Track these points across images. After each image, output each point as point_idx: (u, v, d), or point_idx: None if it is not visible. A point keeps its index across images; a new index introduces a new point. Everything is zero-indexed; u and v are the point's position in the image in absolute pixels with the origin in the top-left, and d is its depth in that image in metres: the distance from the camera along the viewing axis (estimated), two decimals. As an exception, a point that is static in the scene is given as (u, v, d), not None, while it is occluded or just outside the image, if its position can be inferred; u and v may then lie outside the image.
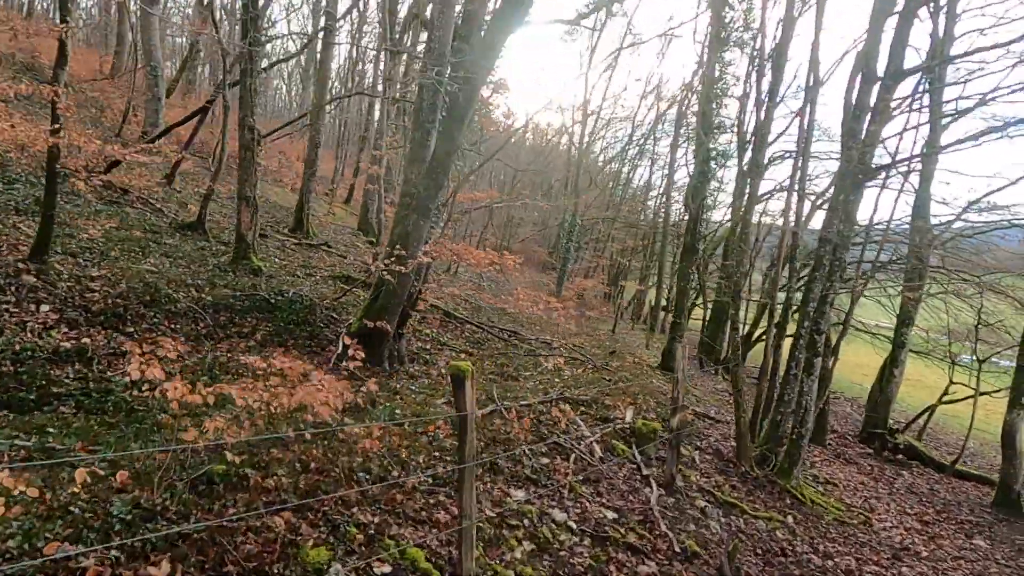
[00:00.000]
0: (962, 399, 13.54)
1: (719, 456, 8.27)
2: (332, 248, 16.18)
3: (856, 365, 23.44)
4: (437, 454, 5.13)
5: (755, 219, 22.88)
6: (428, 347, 10.62)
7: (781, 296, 11.46)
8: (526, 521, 4.67)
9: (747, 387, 12.77)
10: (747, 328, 24.66)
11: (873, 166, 7.68)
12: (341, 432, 4.57)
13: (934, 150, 12.76)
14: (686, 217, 15.95)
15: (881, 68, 7.96)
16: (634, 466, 6.62)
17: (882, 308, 17.85)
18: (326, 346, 8.76)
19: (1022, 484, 10.27)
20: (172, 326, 7.47)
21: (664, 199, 25.00)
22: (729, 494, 6.98)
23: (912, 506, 9.63)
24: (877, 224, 17.85)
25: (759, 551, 6.00)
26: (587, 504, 5.34)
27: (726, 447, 8.80)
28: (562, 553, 4.50)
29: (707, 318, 25.20)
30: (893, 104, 8.49)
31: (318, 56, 19.66)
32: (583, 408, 7.82)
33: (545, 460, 5.84)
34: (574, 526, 4.89)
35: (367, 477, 4.27)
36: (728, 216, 24.11)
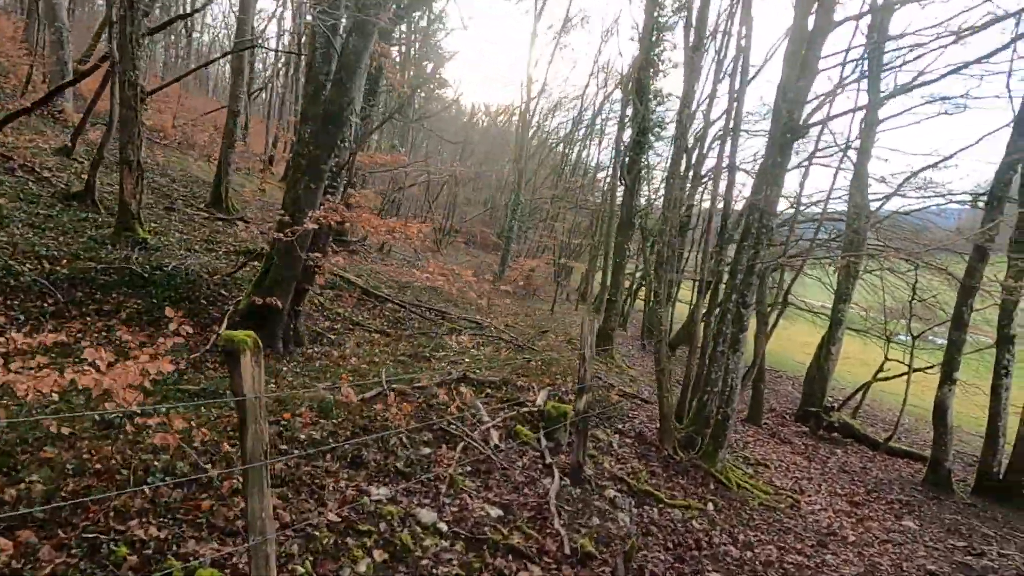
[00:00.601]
0: (896, 376, 13.41)
1: (641, 440, 7.68)
2: (249, 223, 15.00)
3: (802, 344, 23.46)
4: (285, 447, 4.31)
5: (703, 199, 22.63)
6: (339, 327, 9.73)
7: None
8: (383, 525, 3.90)
9: (677, 366, 12.29)
10: (691, 307, 24.58)
11: (801, 123, 7.10)
12: (131, 423, 3.70)
13: (873, 108, 12.44)
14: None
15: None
16: (538, 454, 5.94)
17: (825, 289, 17.76)
18: (209, 325, 7.79)
19: (952, 461, 10.07)
20: (6, 302, 6.40)
21: (610, 178, 24.42)
22: (646, 481, 6.37)
23: (843, 486, 9.29)
24: (817, 200, 17.66)
25: (671, 545, 5.40)
26: (469, 500, 4.61)
27: (651, 429, 8.22)
28: (424, 562, 3.76)
29: (652, 297, 24.94)
30: (827, 64, 7.96)
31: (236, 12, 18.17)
32: (490, 390, 7.09)
33: (427, 450, 5.07)
34: (445, 528, 4.15)
35: (165, 480, 3.43)
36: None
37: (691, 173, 15.47)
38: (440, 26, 23.19)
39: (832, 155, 18.45)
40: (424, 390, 6.31)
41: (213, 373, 6.23)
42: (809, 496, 8.38)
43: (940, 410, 9.71)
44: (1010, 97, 10.78)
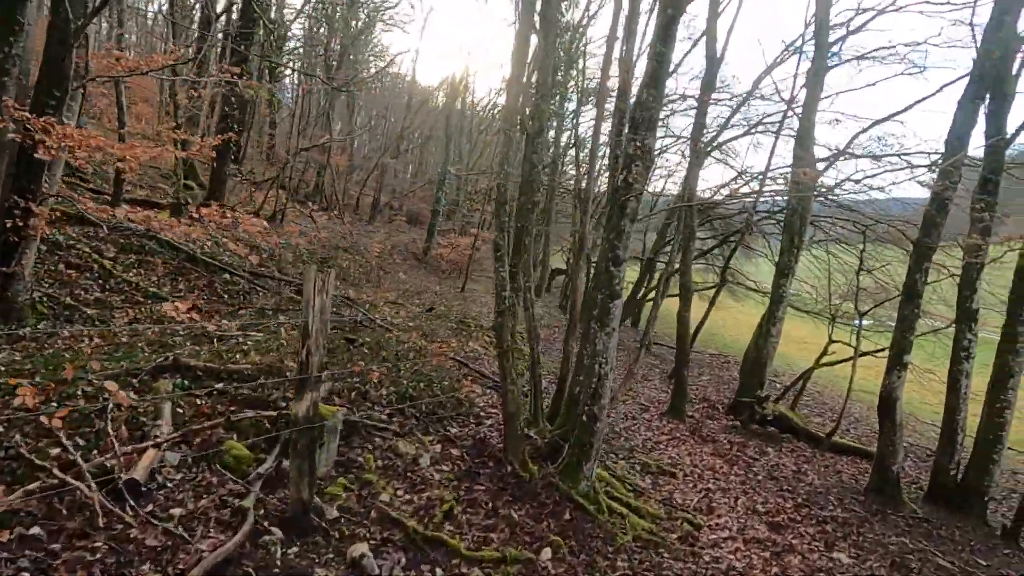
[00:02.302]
0: (843, 360, 11.60)
1: (480, 450, 5.55)
2: None
3: (752, 327, 21.70)
4: None
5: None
6: (117, 299, 7.38)
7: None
8: None
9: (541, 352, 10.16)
10: (632, 287, 22.64)
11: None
12: None
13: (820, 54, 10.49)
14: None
15: None
16: (239, 488, 3.73)
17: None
18: None
19: (902, 463, 8.22)
20: None
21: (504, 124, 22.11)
22: (443, 521, 4.23)
23: (767, 499, 7.34)
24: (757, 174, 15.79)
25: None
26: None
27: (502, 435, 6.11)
28: None
29: (590, 278, 22.94)
30: None
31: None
32: (225, 384, 4.86)
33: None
34: None
35: None
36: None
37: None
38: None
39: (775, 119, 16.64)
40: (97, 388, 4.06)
41: None
42: (718, 517, 6.38)
43: (887, 402, 7.83)
44: (972, 29, 8.96)
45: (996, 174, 7.02)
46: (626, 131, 4.99)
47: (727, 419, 11.34)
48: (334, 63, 25.98)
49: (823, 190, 13.82)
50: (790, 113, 14.63)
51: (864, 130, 12.75)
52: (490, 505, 4.65)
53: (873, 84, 13.39)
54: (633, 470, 7.12)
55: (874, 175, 11.33)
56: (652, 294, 21.95)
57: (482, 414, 6.32)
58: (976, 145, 8.14)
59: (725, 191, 19.56)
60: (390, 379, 5.82)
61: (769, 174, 17.22)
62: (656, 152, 22.57)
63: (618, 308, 5.14)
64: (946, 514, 7.94)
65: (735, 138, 19.56)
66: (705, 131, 19.52)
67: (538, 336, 6.29)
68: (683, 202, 11.10)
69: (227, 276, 9.53)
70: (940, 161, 7.45)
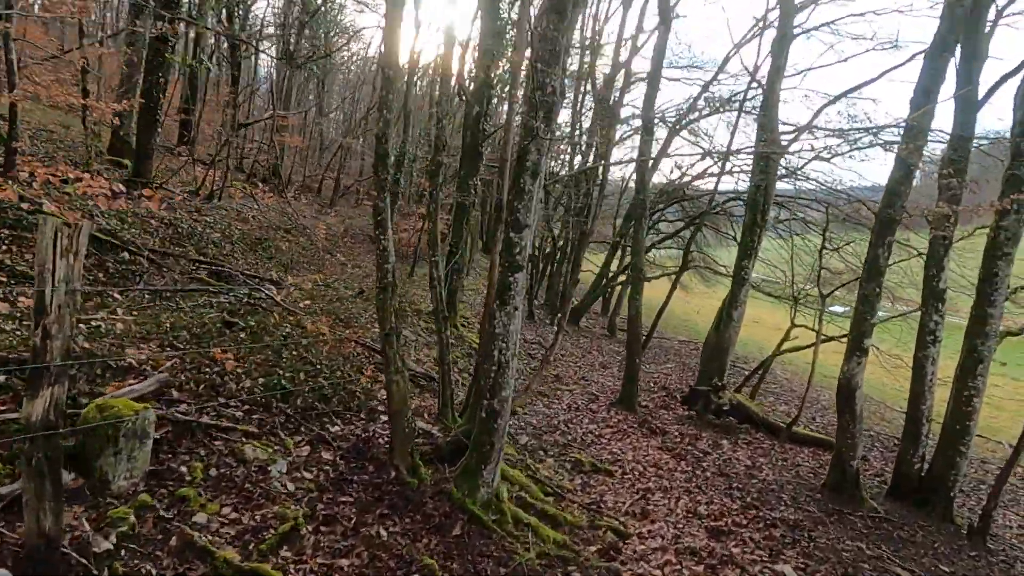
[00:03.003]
0: (806, 347, 10.93)
1: (362, 451, 4.69)
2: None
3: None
4: None
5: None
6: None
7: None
8: None
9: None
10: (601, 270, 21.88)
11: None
12: None
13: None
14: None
15: None
16: None
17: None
18: None
19: (861, 459, 7.54)
20: None
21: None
22: (275, 549, 3.36)
23: (713, 499, 6.59)
24: (724, 153, 15.14)
25: None
26: None
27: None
28: None
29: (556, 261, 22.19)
30: None
31: None
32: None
33: None
34: None
35: None
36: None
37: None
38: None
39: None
40: None
41: None
42: (651, 523, 5.61)
43: (846, 391, 7.11)
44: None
45: (967, 131, 6.27)
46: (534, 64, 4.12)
47: (683, 409, 10.62)
48: (292, 39, 24.74)
49: (788, 169, 13.12)
50: (757, 88, 13.90)
51: (831, 101, 12.02)
52: (353, 522, 3.79)
53: (845, 60, 12.55)
54: (562, 469, 6.32)
55: (842, 153, 10.51)
56: (624, 280, 21.28)
57: (380, 408, 5.45)
58: (946, 120, 7.42)
59: (692, 172, 18.88)
60: (263, 369, 4.93)
61: (737, 155, 16.52)
62: (623, 133, 21.81)
63: (520, 282, 4.29)
64: (909, 511, 7.29)
65: (702, 117, 18.77)
66: (673, 110, 18.76)
67: (445, 319, 5.43)
68: (637, 182, 10.30)
69: (125, 255, 8.53)
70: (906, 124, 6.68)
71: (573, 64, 19.02)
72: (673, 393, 12.03)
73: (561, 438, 7.30)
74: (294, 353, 5.43)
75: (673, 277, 21.53)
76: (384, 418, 5.26)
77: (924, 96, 6.08)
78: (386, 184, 4.32)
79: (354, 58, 35.52)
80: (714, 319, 12.65)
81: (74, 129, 15.25)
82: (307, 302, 7.90)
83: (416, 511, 4.18)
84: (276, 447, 4.17)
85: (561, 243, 19.88)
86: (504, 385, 4.39)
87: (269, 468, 3.87)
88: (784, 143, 12.01)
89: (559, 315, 17.15)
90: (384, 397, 5.71)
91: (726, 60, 16.28)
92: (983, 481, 10.34)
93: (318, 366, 5.41)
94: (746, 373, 15.92)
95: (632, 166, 19.64)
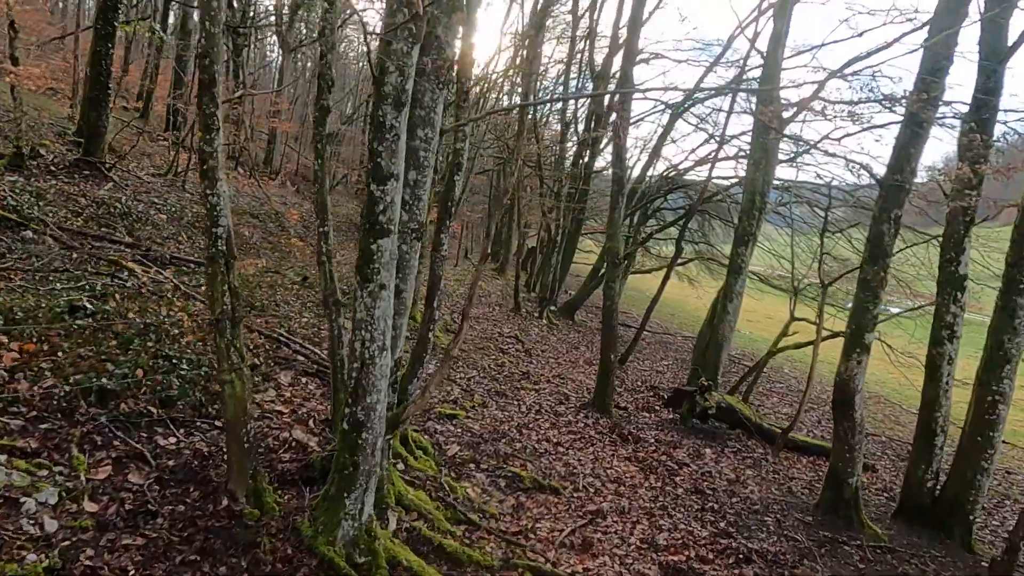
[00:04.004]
0: (806, 343, 9.71)
1: (193, 472, 3.65)
2: None
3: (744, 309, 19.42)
4: None
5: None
6: None
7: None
8: None
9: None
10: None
11: None
12: None
13: None
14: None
15: None
16: None
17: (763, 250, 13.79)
18: None
19: (863, 473, 6.37)
20: None
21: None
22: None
23: (677, 525, 5.48)
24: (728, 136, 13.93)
25: None
26: None
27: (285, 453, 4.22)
28: None
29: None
30: None
31: None
32: None
33: None
34: None
35: None
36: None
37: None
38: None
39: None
40: None
41: None
42: (592, 558, 4.53)
43: (843, 395, 5.95)
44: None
45: (995, 80, 5.07)
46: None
47: (668, 412, 9.49)
48: (285, 22, 23.89)
49: (791, 142, 11.88)
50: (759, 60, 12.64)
51: (840, 69, 10.73)
52: (132, 576, 2.76)
53: (860, 34, 11.15)
54: (494, 488, 5.25)
55: (852, 132, 9.11)
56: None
57: (277, 425, 4.43)
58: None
59: (694, 157, 17.71)
60: (89, 364, 3.92)
61: (739, 137, 15.26)
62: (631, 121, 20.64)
63: (388, 252, 3.22)
64: (920, 537, 6.15)
65: (707, 98, 17.52)
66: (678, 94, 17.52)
67: (337, 305, 4.38)
68: (614, 155, 9.18)
69: (29, 233, 7.60)
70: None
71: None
72: (661, 393, 10.90)
73: (506, 448, 6.23)
74: (149, 345, 4.41)
75: (680, 270, 20.38)
76: (251, 424, 4.22)
77: (949, 16, 4.87)
78: (213, 121, 3.26)
79: (352, 43, 34.60)
80: (707, 312, 11.51)
81: (46, 111, 14.40)
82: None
83: (243, 555, 3.14)
84: (58, 468, 3.15)
85: (557, 234, 18.72)
86: (370, 388, 3.33)
87: (23, 501, 2.85)
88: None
89: (544, 308, 16.10)
90: (266, 400, 4.68)
91: (731, 40, 15.04)
92: (1007, 496, 9.11)
93: (176, 360, 4.39)
94: (746, 367, 14.74)
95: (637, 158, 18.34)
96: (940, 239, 6.57)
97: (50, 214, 8.20)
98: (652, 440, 7.88)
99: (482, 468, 5.49)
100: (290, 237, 14.10)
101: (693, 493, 6.37)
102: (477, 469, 5.43)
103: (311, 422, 4.65)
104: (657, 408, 9.79)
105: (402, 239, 3.79)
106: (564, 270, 18.38)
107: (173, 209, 11.68)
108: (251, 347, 5.38)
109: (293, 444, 4.11)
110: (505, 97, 19.89)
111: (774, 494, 6.75)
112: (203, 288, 6.38)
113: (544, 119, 23.40)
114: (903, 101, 5.37)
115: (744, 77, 12.90)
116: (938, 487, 6.48)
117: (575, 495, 5.63)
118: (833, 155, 7.16)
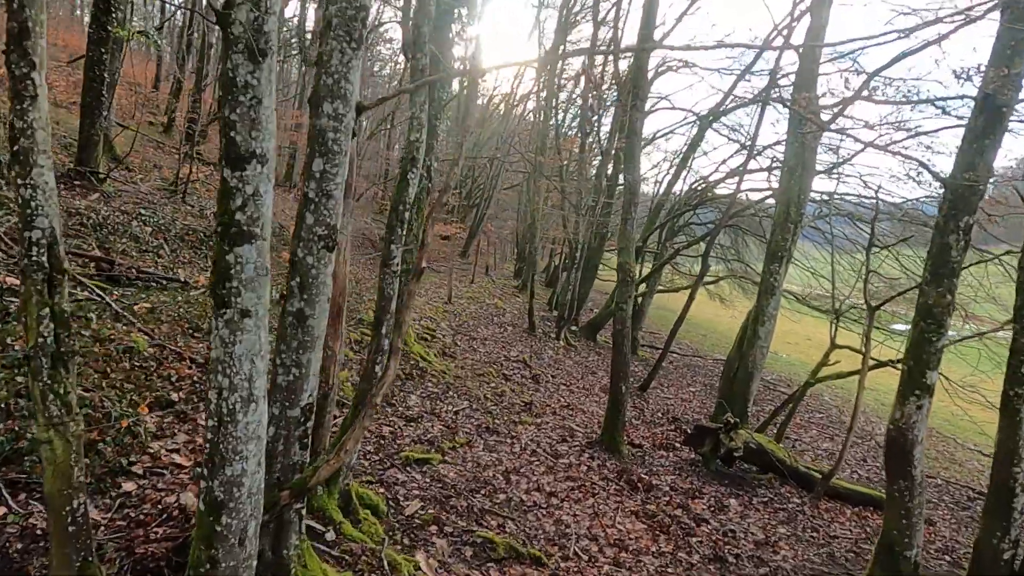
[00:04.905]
0: (848, 374, 8.49)
1: (7, 563, 2.76)
2: None
3: (782, 332, 17.78)
4: None
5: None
6: None
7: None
8: None
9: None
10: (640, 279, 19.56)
11: None
12: None
13: None
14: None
15: None
16: None
17: (796, 264, 12.49)
18: None
19: (920, 547, 5.14)
20: None
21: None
22: None
23: (690, 608, 4.38)
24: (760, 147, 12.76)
25: None
26: None
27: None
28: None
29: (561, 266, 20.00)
30: None
31: None
32: None
33: None
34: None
35: None
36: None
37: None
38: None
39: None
40: None
41: None
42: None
43: (899, 448, 4.79)
44: None
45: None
46: None
47: (689, 451, 8.34)
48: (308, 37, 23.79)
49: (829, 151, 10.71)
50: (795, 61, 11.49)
51: (887, 65, 9.55)
52: None
53: (905, 35, 9.97)
54: (456, 557, 4.25)
55: (900, 139, 7.90)
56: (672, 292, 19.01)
57: (154, 465, 3.54)
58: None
59: (724, 168, 16.55)
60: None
61: (774, 147, 14.09)
62: (656, 135, 19.62)
63: (251, 263, 2.31)
64: (996, 627, 4.89)
65: (738, 107, 16.40)
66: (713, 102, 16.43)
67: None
68: (626, 155, 8.18)
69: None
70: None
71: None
72: (684, 427, 9.75)
73: (483, 502, 5.22)
74: (17, 380, 3.58)
75: (712, 289, 19.11)
76: (146, 480, 3.33)
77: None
78: (27, 86, 2.41)
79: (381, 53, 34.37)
80: (736, 336, 10.34)
81: (62, 125, 14.09)
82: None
83: None
84: None
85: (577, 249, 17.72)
86: (229, 456, 2.40)
87: None
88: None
89: (562, 328, 15.04)
90: (165, 450, 3.79)
91: (766, 42, 13.92)
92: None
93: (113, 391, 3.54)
94: (783, 395, 13.37)
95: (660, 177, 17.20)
96: (1020, 254, 5.37)
97: (5, 223, 7.59)
98: (667, 488, 6.76)
99: (446, 531, 4.49)
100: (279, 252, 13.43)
101: (711, 561, 5.26)
102: (439, 533, 4.44)
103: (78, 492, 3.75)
104: (677, 445, 8.65)
105: (307, 249, 2.89)
106: (585, 288, 17.36)
107: (160, 221, 11.07)
108: (174, 379, 4.52)
109: (175, 513, 3.20)
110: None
111: (812, 562, 5.58)
112: (137, 307, 5.59)
113: (567, 130, 22.56)
114: (975, 81, 4.27)
115: (777, 77, 11.79)
116: (1017, 559, 5.23)
117: (562, 566, 4.59)
118: (884, 148, 5.99)
